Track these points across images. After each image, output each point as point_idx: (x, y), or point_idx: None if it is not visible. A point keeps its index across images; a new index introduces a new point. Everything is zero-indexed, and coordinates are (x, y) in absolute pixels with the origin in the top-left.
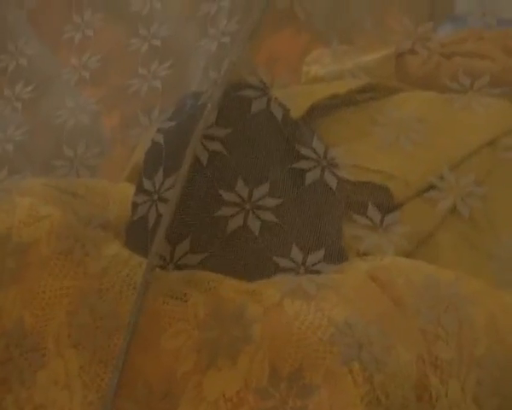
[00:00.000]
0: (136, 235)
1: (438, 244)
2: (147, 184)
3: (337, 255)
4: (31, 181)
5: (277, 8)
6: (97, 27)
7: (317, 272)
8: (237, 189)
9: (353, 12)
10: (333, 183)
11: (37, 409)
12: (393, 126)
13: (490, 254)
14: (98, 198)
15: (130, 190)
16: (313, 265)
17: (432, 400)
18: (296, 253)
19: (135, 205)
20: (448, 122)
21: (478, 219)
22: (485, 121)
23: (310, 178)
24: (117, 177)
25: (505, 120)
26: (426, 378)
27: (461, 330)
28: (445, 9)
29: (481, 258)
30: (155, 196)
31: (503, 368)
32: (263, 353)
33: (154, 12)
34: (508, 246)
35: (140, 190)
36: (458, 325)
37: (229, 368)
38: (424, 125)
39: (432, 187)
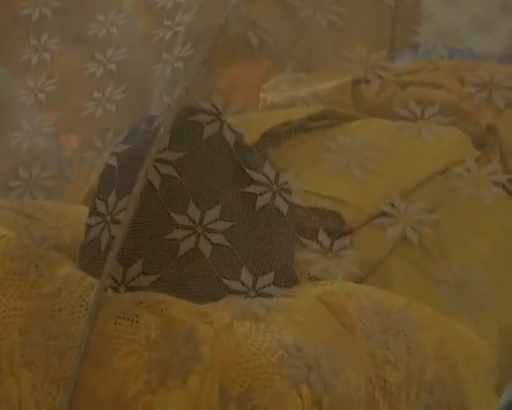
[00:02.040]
0: (89, 256)
1: (389, 271)
2: (100, 206)
3: (287, 279)
4: None
5: (231, 35)
6: (54, 51)
7: (267, 296)
8: (189, 212)
9: (310, 39)
10: (283, 207)
11: None
12: (344, 153)
13: (439, 280)
14: (54, 221)
15: (85, 212)
16: (263, 288)
17: None
18: (246, 276)
19: (88, 227)
20: (400, 150)
21: (429, 247)
22: (437, 150)
23: (260, 202)
24: (76, 199)
25: (456, 148)
26: (375, 402)
27: (410, 355)
28: (406, 40)
29: (431, 285)
30: (108, 218)
31: (451, 394)
32: (212, 374)
33: (110, 36)
34: (456, 273)
35: (93, 212)
36: (407, 351)
37: (179, 388)
38: (376, 153)
39: (383, 214)
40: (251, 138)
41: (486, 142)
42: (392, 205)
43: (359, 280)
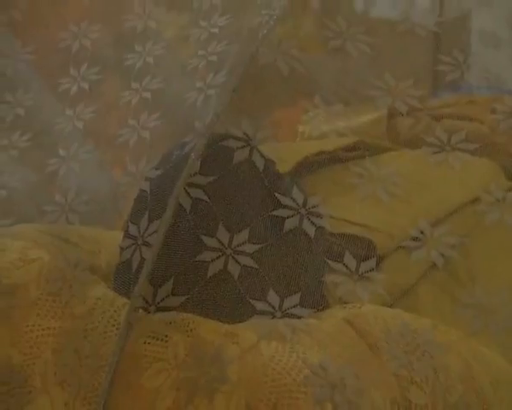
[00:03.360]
0: (122, 278)
1: (418, 296)
2: (132, 229)
3: (314, 301)
4: (25, 226)
5: (261, 63)
6: (93, 80)
7: (293, 316)
8: (218, 235)
9: (346, 73)
10: (311, 231)
11: None
12: (371, 180)
13: (464, 303)
14: (90, 245)
15: (120, 237)
16: (289, 309)
17: None
18: (273, 297)
19: (121, 249)
20: (430, 178)
21: (458, 273)
22: (468, 179)
23: (288, 225)
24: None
25: (488, 178)
26: None
27: (436, 376)
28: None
29: (459, 309)
30: (139, 241)
31: None
32: (239, 393)
33: (147, 66)
34: (478, 294)
35: (126, 235)
36: (433, 372)
37: (206, 407)
38: (403, 180)
39: (412, 239)
40: (286, 167)
41: None
42: (422, 232)
43: (388, 304)
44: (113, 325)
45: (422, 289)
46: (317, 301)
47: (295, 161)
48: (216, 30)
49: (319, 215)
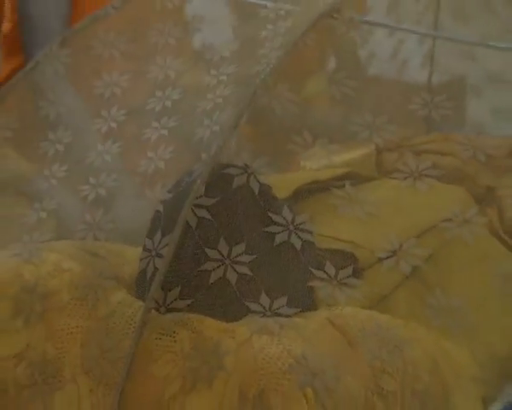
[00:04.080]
0: (139, 284)
1: (395, 300)
2: (148, 243)
3: (299, 302)
4: (60, 242)
5: (258, 104)
6: (120, 121)
7: (281, 315)
8: (219, 247)
9: (340, 116)
10: (298, 244)
11: None
12: (350, 201)
13: (428, 305)
14: (116, 259)
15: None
16: (277, 309)
17: None
18: (264, 299)
19: (140, 261)
20: (406, 201)
21: (429, 280)
22: (438, 201)
23: (278, 239)
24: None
25: (458, 203)
26: (373, 405)
27: (404, 367)
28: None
29: (429, 312)
30: (153, 253)
31: (439, 403)
32: (233, 379)
33: (165, 109)
34: (439, 298)
35: (144, 248)
36: (402, 364)
37: (207, 391)
38: (380, 202)
39: (389, 253)
40: (285, 193)
41: (485, 199)
42: (394, 246)
43: (367, 307)
44: (131, 324)
45: (398, 295)
46: (303, 303)
47: (294, 188)
48: (224, 77)
49: (306, 231)
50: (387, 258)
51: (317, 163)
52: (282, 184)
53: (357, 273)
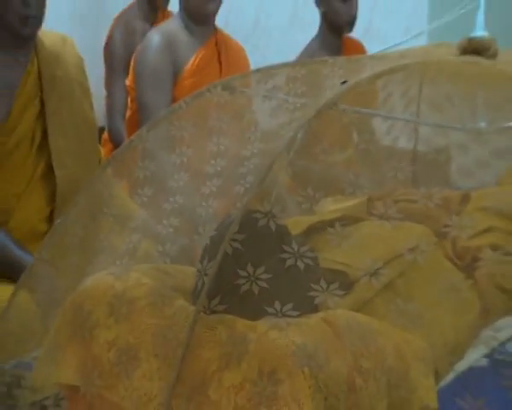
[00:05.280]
0: (193, 294)
1: (374, 305)
2: (198, 266)
3: (301, 307)
4: (143, 265)
5: (275, 169)
6: (184, 180)
7: (289, 316)
8: (247, 268)
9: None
10: (301, 266)
11: (134, 392)
12: (338, 236)
13: (395, 308)
14: (182, 276)
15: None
16: (286, 312)
17: (357, 391)
18: (277, 305)
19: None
20: (380, 235)
21: (400, 291)
22: (405, 235)
23: (288, 263)
24: None
25: (421, 236)
26: (353, 378)
27: (376, 351)
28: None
29: (397, 313)
30: (202, 272)
31: (401, 375)
32: (255, 361)
33: (216, 172)
34: (402, 304)
35: (198, 270)
36: (374, 348)
37: (236, 369)
38: (363, 235)
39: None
40: (299, 229)
41: (443, 234)
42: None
43: (354, 310)
44: (186, 322)
45: (377, 301)
46: (304, 308)
47: (305, 227)
48: (256, 151)
49: (310, 257)
50: (363, 277)
51: (326, 208)
52: (298, 223)
53: (347, 286)
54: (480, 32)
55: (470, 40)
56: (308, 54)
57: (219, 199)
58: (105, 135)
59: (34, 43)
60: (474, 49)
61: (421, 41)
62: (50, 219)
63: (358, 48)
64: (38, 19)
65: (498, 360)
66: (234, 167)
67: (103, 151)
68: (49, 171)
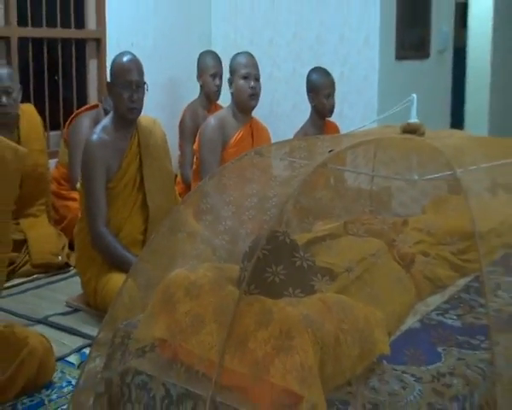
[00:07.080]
0: (238, 282)
1: (350, 290)
2: (241, 265)
3: (305, 291)
4: (206, 264)
5: (286, 208)
6: (232, 212)
7: (298, 297)
8: (272, 268)
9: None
10: (305, 266)
11: (201, 343)
12: (327, 247)
13: (363, 293)
14: (230, 271)
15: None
16: (296, 294)
17: (341, 344)
18: (290, 290)
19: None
20: (353, 245)
21: (367, 281)
22: (369, 247)
23: (297, 264)
24: None
25: (378, 246)
26: (338, 335)
27: (352, 318)
28: None
29: (366, 295)
30: (244, 269)
31: (367, 333)
32: (278, 325)
33: (252, 206)
34: (368, 290)
35: (240, 267)
36: (351, 316)
37: (265, 329)
38: (342, 246)
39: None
40: (303, 242)
41: (391, 245)
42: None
43: (339, 293)
44: (234, 300)
45: (352, 288)
46: (307, 291)
47: (307, 240)
48: (276, 192)
49: (310, 260)
50: (343, 272)
51: (318, 228)
52: (302, 238)
53: (333, 277)
54: (413, 119)
55: (408, 124)
56: (303, 130)
57: (253, 223)
58: (178, 178)
59: (136, 124)
60: (411, 129)
61: (375, 124)
62: (145, 233)
63: (334, 127)
64: (139, 109)
65: (427, 323)
66: (262, 203)
67: (177, 189)
68: (144, 203)
